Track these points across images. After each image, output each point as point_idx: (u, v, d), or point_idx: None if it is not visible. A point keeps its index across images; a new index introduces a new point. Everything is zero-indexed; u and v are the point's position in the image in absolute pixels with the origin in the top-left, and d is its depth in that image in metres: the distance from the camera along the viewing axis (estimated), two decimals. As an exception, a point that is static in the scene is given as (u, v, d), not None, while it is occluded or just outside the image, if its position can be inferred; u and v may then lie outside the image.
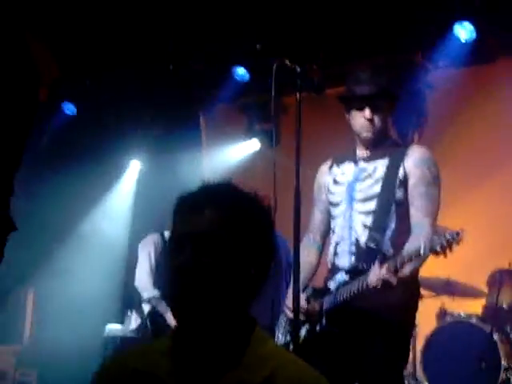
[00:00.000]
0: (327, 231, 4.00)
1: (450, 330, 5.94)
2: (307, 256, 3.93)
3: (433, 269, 4.60)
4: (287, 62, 3.48)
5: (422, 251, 3.31)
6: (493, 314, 5.85)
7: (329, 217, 3.99)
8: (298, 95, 3.43)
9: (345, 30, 6.84)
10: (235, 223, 1.88)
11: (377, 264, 3.47)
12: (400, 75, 6.58)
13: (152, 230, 6.53)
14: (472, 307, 6.28)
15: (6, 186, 2.44)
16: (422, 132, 6.87)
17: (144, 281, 6.28)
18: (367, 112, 3.79)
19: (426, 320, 6.12)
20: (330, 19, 6.70)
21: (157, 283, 6.20)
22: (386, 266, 3.42)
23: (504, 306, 5.90)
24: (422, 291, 6.08)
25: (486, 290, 6.15)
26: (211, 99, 8.07)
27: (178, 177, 7.52)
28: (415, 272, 3.66)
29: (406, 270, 3.44)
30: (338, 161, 4.01)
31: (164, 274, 1.89)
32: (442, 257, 3.29)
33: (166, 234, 6.41)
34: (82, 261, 7.72)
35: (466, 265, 6.25)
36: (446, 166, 3.92)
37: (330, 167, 4.03)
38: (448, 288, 6.22)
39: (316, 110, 6.20)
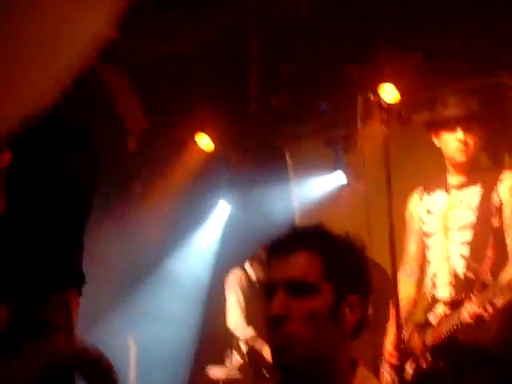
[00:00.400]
0: (423, 261, 3.94)
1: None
2: (407, 289, 3.87)
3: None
4: (371, 96, 3.48)
5: None
6: None
7: (424, 247, 3.92)
8: (384, 128, 3.42)
9: (425, 57, 6.78)
10: (326, 265, 1.88)
11: (469, 300, 3.39)
12: (489, 97, 6.46)
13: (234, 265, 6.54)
14: None
15: (77, 240, 2.47)
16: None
17: (236, 321, 6.28)
18: (460, 134, 3.73)
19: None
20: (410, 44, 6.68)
21: (249, 321, 6.20)
22: (476, 300, 3.33)
23: None
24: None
25: None
26: (296, 135, 8.10)
27: (265, 212, 7.54)
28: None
29: (499, 302, 3.35)
30: (429, 189, 3.95)
31: (265, 322, 1.90)
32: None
33: (246, 266, 6.43)
34: (174, 302, 7.78)
35: None
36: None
37: (421, 196, 3.98)
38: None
39: (399, 138, 6.17)
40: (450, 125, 3.76)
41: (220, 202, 8.63)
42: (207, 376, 6.50)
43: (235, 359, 6.38)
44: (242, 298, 6.34)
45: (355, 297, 1.90)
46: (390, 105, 3.52)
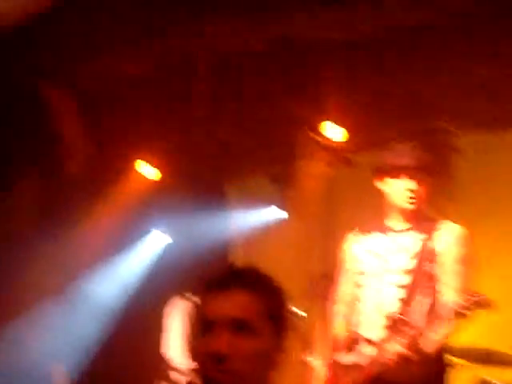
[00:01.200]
0: (353, 301, 3.94)
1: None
2: (334, 328, 3.85)
3: (471, 338, 4.52)
4: (314, 135, 3.50)
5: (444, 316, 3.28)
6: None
7: (355, 287, 3.93)
8: (326, 169, 3.44)
9: (371, 100, 6.89)
10: (264, 307, 1.88)
11: (396, 341, 3.42)
12: (432, 143, 6.58)
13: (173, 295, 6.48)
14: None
15: None
16: (451, 200, 6.84)
17: (177, 350, 6.18)
18: (414, 184, 3.78)
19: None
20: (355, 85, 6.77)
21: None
22: (403, 341, 3.36)
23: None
24: (460, 361, 6.01)
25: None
26: (240, 168, 8.13)
27: (202, 243, 7.51)
28: (440, 347, 3.59)
29: (428, 347, 3.40)
30: (366, 230, 3.97)
31: (197, 356, 1.87)
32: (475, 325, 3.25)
33: (188, 295, 6.36)
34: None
35: (507, 334, 6.15)
36: (477, 233, 3.87)
37: (357, 236, 4.00)
38: (487, 358, 6.09)
39: (342, 178, 6.23)
40: (400, 172, 3.81)
41: (153, 230, 8.55)
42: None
43: None
44: (186, 327, 6.24)
45: (287, 339, 1.90)
46: (332, 144, 3.53)
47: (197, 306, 5.88)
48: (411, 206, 3.80)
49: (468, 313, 3.24)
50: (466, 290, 3.64)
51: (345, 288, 3.99)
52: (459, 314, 3.24)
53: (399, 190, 3.80)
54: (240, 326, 1.84)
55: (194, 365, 5.63)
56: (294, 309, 4.13)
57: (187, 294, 6.38)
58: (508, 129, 6.97)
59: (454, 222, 3.91)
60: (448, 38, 5.96)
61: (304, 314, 4.39)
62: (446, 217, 5.88)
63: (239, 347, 1.82)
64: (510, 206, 6.86)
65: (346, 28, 6.08)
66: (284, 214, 8.07)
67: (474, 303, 3.24)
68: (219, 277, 1.93)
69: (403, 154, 3.84)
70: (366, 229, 3.99)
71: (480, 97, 6.54)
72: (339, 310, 3.96)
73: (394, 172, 3.81)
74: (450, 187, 6.93)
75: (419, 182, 3.80)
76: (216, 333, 1.85)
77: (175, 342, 6.25)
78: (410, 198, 3.79)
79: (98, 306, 7.87)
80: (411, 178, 3.77)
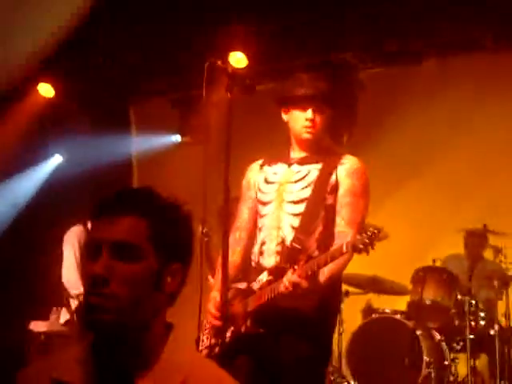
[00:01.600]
0: (254, 229, 3.97)
1: (376, 326, 6.03)
2: (232, 255, 3.81)
3: (359, 266, 4.69)
4: (219, 62, 3.49)
5: (344, 249, 3.35)
6: (416, 310, 5.97)
7: (256, 215, 3.96)
8: (228, 95, 3.45)
9: (278, 29, 6.88)
10: (152, 231, 1.87)
11: (290, 269, 3.49)
12: (336, 76, 6.64)
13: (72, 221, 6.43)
14: (397, 304, 6.40)
15: None
16: (351, 133, 6.96)
17: (70, 276, 6.19)
18: (309, 113, 3.80)
19: (352, 316, 6.23)
20: (262, 17, 6.74)
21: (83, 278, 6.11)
22: (297, 270, 3.44)
23: (427, 302, 6.03)
24: (349, 288, 6.25)
25: (410, 286, 6.27)
26: (143, 92, 8.03)
27: (102, 166, 7.42)
28: (336, 277, 3.70)
29: (324, 276, 3.49)
30: (271, 161, 4.00)
31: (83, 281, 1.88)
32: (365, 255, 3.34)
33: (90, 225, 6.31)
34: None
35: (392, 262, 6.38)
36: (371, 167, 3.96)
37: (262, 166, 4.02)
38: (374, 285, 6.33)
39: (246, 107, 6.24)
40: (300, 102, 3.82)
41: (53, 153, 8.39)
42: (29, 330, 6.38)
43: (63, 315, 6.31)
44: (78, 253, 6.24)
45: (177, 264, 1.90)
46: (235, 71, 3.52)
47: (88, 230, 5.88)
48: (308, 136, 3.82)
49: (365, 247, 3.30)
50: (360, 222, 3.73)
51: (245, 216, 4.01)
52: (357, 248, 3.31)
53: (297, 119, 3.82)
54: (122, 250, 1.82)
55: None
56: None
57: (85, 220, 6.34)
58: (408, 65, 7.09)
59: (351, 154, 3.95)
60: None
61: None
62: (344, 148, 6.05)
63: (119, 270, 1.81)
64: (406, 142, 7.05)
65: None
66: (185, 139, 8.10)
67: (371, 238, 3.30)
68: (108, 201, 1.90)
69: (303, 83, 3.84)
70: (270, 159, 4.01)
71: (383, 30, 6.61)
72: (238, 237, 3.98)
73: (293, 101, 3.83)
74: (349, 119, 7.04)
75: (317, 112, 3.80)
76: (100, 256, 1.84)
77: (71, 268, 6.24)
78: (307, 127, 3.81)
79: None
80: (309, 107, 3.78)
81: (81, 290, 6.02)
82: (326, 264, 3.43)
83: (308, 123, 3.81)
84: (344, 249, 3.34)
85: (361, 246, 3.30)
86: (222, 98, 3.54)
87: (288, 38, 6.92)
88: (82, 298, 5.55)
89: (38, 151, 8.13)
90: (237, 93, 3.62)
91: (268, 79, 7.04)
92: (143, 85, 7.88)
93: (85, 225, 6.33)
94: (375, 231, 3.31)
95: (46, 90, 7.44)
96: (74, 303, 6.16)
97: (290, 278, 3.44)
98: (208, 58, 3.55)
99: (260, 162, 4.06)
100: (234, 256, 3.91)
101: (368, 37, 6.68)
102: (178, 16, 6.76)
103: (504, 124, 6.77)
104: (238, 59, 6.64)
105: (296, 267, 3.47)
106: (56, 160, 8.40)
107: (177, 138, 8.17)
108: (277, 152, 4.03)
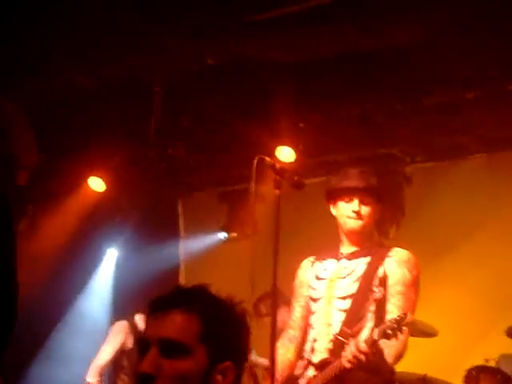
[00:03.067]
0: (306, 327, 3.93)
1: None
2: (286, 353, 3.82)
3: (409, 366, 4.57)
4: (267, 158, 3.52)
5: (375, 337, 3.32)
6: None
7: (308, 313, 3.93)
8: (277, 192, 3.46)
9: (326, 122, 6.95)
10: (203, 328, 1.85)
11: (351, 343, 3.45)
12: (382, 168, 6.66)
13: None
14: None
15: None
16: (398, 226, 6.92)
17: (94, 365, 6.25)
18: (355, 204, 3.81)
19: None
20: (311, 110, 6.83)
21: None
22: (353, 347, 3.41)
23: (482, 403, 5.83)
24: (399, 387, 6.07)
25: (463, 387, 6.08)
26: (191, 186, 8.12)
27: (154, 265, 7.48)
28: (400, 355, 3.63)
29: (391, 357, 3.46)
30: (321, 257, 3.99)
31: (134, 377, 1.86)
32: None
33: (137, 318, 6.34)
34: (72, 346, 7.61)
35: (444, 361, 6.21)
36: (421, 261, 3.92)
37: (313, 263, 4.01)
38: (425, 384, 6.14)
39: (296, 201, 6.25)
40: (347, 195, 3.84)
41: (110, 248, 8.47)
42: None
43: None
44: (116, 346, 6.27)
45: (229, 363, 1.87)
46: (283, 167, 3.54)
47: (133, 327, 5.89)
48: (354, 226, 3.81)
49: (393, 332, 3.31)
50: (412, 311, 3.69)
51: (297, 314, 3.99)
52: (386, 334, 3.31)
53: (345, 212, 3.83)
54: (170, 347, 1.81)
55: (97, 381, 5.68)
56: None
57: (136, 316, 6.38)
58: (456, 159, 7.08)
59: (401, 247, 3.93)
60: (401, 63, 6.07)
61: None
62: (393, 242, 5.99)
63: (166, 368, 1.80)
64: (452, 236, 6.97)
65: (298, 50, 6.15)
66: (232, 235, 8.11)
67: (398, 322, 3.31)
68: (161, 298, 1.91)
69: (352, 177, 3.87)
70: (321, 255, 4.01)
71: (430, 125, 6.64)
72: (292, 335, 3.96)
73: (342, 194, 3.84)
74: (397, 214, 7.01)
75: (363, 203, 3.81)
76: (148, 353, 1.83)
77: (100, 358, 6.29)
78: (355, 219, 3.81)
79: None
80: (357, 199, 3.79)
81: (90, 379, 6.15)
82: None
83: (354, 215, 3.81)
84: (375, 336, 3.32)
85: (389, 332, 3.29)
86: (270, 192, 3.55)
87: (336, 131, 6.98)
88: None
89: (90, 246, 8.19)
90: (286, 188, 3.63)
91: (317, 173, 7.07)
92: (192, 179, 7.97)
93: (131, 321, 6.35)
94: (402, 316, 3.31)
95: (96, 184, 7.55)
96: None
97: (352, 350, 3.39)
98: (256, 152, 3.58)
99: (311, 258, 4.06)
100: (288, 354, 3.88)
101: (417, 131, 6.71)
102: (226, 110, 6.88)
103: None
104: (286, 154, 6.70)
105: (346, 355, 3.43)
106: (113, 255, 8.47)
107: (224, 235, 8.17)
108: (327, 248, 4.02)
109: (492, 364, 6.16)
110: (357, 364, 3.41)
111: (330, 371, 3.53)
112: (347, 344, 3.62)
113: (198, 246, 8.11)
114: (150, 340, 1.85)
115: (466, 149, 6.85)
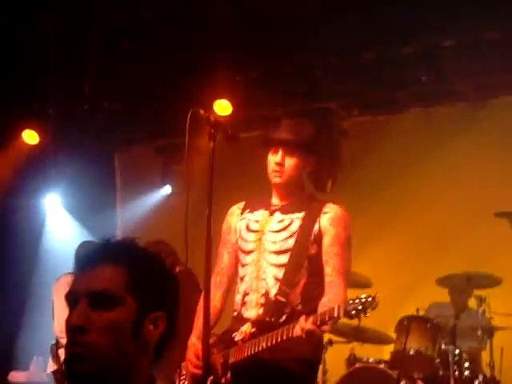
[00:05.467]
0: (234, 276, 3.91)
1: (359, 376, 5.97)
2: (212, 301, 3.64)
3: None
4: (202, 110, 3.49)
5: (335, 314, 3.31)
6: (400, 359, 5.92)
7: (237, 262, 3.90)
8: (211, 144, 3.45)
9: (264, 77, 6.95)
10: (129, 280, 1.87)
11: (303, 316, 3.43)
12: (319, 124, 6.70)
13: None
14: (381, 353, 6.35)
15: None
16: (335, 180, 6.99)
17: (63, 326, 6.17)
18: (279, 155, 3.78)
19: (335, 365, 6.17)
20: (248, 64, 6.82)
21: None
22: (311, 319, 3.39)
23: (411, 352, 5.97)
24: (332, 337, 6.20)
25: (394, 336, 6.23)
26: (127, 140, 8.06)
27: (89, 223, 7.46)
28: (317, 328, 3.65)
29: (327, 327, 3.44)
30: (252, 206, 3.95)
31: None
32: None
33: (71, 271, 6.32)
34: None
35: (376, 311, 6.32)
36: (353, 214, 3.96)
37: (243, 211, 3.97)
38: (358, 334, 6.28)
39: (229, 154, 6.26)
40: (273, 146, 3.81)
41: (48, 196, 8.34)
42: (8, 381, 6.33)
43: (50, 365, 6.24)
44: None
45: (160, 313, 1.89)
46: (218, 120, 3.52)
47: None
48: (276, 180, 3.77)
49: (357, 314, 3.27)
50: (349, 271, 3.71)
51: (226, 261, 3.94)
52: (349, 314, 3.27)
53: (271, 164, 3.79)
54: (98, 299, 1.83)
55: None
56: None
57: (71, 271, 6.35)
58: (392, 113, 7.17)
59: (334, 202, 3.92)
60: (337, 17, 6.09)
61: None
62: (328, 195, 6.07)
63: (96, 319, 1.82)
64: (381, 190, 7.08)
65: (235, 2, 6.12)
66: (168, 188, 8.12)
67: (364, 304, 3.27)
68: (88, 252, 1.93)
69: (282, 128, 3.82)
70: (252, 205, 3.96)
71: (367, 80, 6.69)
72: (219, 281, 3.91)
73: (270, 146, 3.81)
74: (334, 168, 7.07)
75: (290, 156, 3.76)
76: (76, 305, 1.85)
77: (63, 317, 6.23)
78: (275, 171, 3.77)
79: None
80: (281, 151, 3.75)
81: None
82: (326, 320, 3.37)
83: (276, 167, 3.78)
84: (335, 313, 3.29)
85: (353, 313, 3.26)
86: (206, 146, 3.53)
87: (273, 85, 6.99)
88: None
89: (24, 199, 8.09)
90: (220, 141, 3.62)
91: (253, 127, 7.08)
92: (128, 132, 7.90)
93: (70, 274, 6.32)
94: (369, 299, 3.28)
95: (30, 136, 7.43)
96: (63, 354, 6.12)
97: (303, 325, 3.37)
98: (194, 106, 3.56)
99: (241, 205, 3.99)
100: (214, 301, 3.82)
101: (353, 86, 6.76)
102: (163, 64, 6.82)
103: (484, 171, 6.82)
104: (223, 106, 6.69)
105: (282, 323, 3.44)
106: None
107: (168, 189, 8.15)
108: (260, 198, 3.99)
109: (422, 313, 6.33)
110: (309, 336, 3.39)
111: (276, 336, 3.52)
112: (285, 303, 3.64)
113: (138, 203, 8.10)
114: (79, 293, 1.88)
115: (402, 103, 6.93)
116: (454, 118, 6.85)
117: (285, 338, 3.44)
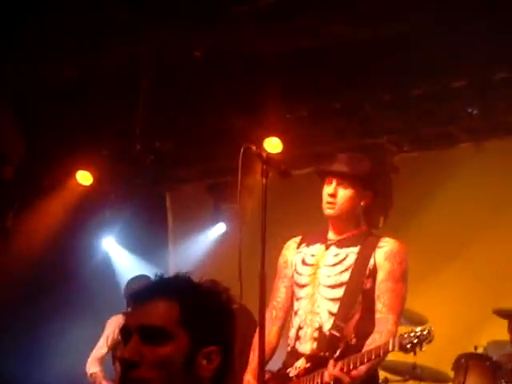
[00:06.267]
0: (290, 310, 3.87)
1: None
2: (267, 336, 3.64)
3: (399, 354, 4.57)
4: (253, 147, 3.50)
5: (390, 348, 3.26)
6: (459, 399, 5.79)
7: (293, 296, 3.87)
8: (263, 181, 3.44)
9: (315, 114, 6.96)
10: (183, 314, 1.87)
11: (331, 362, 3.40)
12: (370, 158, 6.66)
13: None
14: (439, 392, 6.22)
15: None
16: (386, 216, 6.92)
17: (92, 357, 6.56)
18: (332, 186, 3.76)
19: (392, 404, 6.06)
20: (299, 102, 6.84)
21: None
22: (339, 364, 3.35)
23: (470, 390, 5.85)
24: (389, 375, 6.09)
25: (452, 374, 6.10)
26: (178, 179, 8.12)
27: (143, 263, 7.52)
28: (373, 369, 3.60)
29: (363, 369, 3.39)
30: (308, 240, 3.92)
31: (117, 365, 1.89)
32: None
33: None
34: None
35: (433, 349, 6.21)
36: (409, 250, 3.91)
37: (299, 245, 3.94)
38: (414, 372, 6.16)
39: (282, 190, 6.25)
40: (328, 177, 3.78)
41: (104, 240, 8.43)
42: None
43: None
44: (111, 338, 6.52)
45: (214, 347, 1.87)
46: (270, 157, 3.52)
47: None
48: (329, 212, 3.74)
49: (413, 347, 3.23)
50: (401, 307, 3.66)
51: (282, 294, 3.91)
52: (404, 348, 3.23)
53: (324, 195, 3.76)
54: (151, 334, 1.83)
55: (99, 371, 5.80)
56: None
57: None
58: (443, 148, 7.10)
59: (390, 237, 3.87)
60: (386, 55, 6.08)
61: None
62: (381, 232, 5.99)
63: (147, 354, 1.81)
64: (438, 227, 7.00)
65: (285, 41, 6.15)
66: (221, 227, 8.13)
67: (419, 338, 3.23)
68: (141, 288, 1.94)
69: (337, 160, 3.80)
70: (308, 239, 3.93)
71: (417, 115, 6.66)
72: (275, 316, 3.88)
73: (324, 177, 3.79)
74: (386, 203, 7.01)
75: (344, 188, 3.72)
76: (130, 341, 1.85)
77: (96, 349, 6.61)
78: (328, 202, 3.74)
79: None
80: (335, 181, 3.72)
81: (94, 369, 6.47)
82: (369, 360, 3.33)
83: (329, 198, 3.75)
84: (390, 347, 3.25)
85: (408, 346, 3.21)
86: (257, 184, 3.54)
87: (324, 123, 6.99)
88: (93, 376, 5.78)
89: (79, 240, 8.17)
90: (273, 178, 3.62)
91: (304, 164, 7.07)
92: (179, 171, 7.96)
93: (125, 313, 6.42)
94: (424, 332, 3.23)
95: (84, 177, 7.53)
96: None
97: (331, 371, 3.34)
98: (243, 143, 3.57)
99: (297, 239, 3.97)
100: (270, 336, 3.78)
101: (404, 121, 6.73)
102: (214, 102, 6.88)
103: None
104: (273, 144, 6.70)
105: (336, 359, 3.40)
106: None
107: (219, 228, 8.18)
108: (315, 232, 3.94)
109: (481, 351, 6.19)
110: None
111: (306, 382, 3.50)
112: (339, 338, 3.61)
113: (191, 243, 8.14)
114: (131, 328, 1.87)
115: (453, 138, 6.87)
116: (506, 151, 6.76)
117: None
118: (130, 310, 1.94)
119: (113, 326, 6.55)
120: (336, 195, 3.74)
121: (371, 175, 3.88)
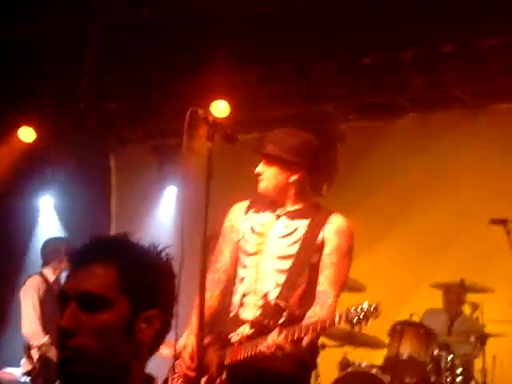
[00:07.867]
0: (233, 274, 3.86)
1: (351, 380, 5.97)
2: (209, 299, 3.64)
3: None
4: (200, 110, 3.46)
5: (336, 321, 3.29)
6: (393, 364, 5.92)
7: (237, 260, 3.86)
8: (209, 144, 3.42)
9: (262, 79, 6.95)
10: (121, 279, 1.82)
11: (276, 330, 3.43)
12: (317, 128, 6.68)
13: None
14: (374, 358, 6.34)
15: None
16: (331, 183, 6.98)
17: (31, 328, 6.20)
18: (260, 165, 3.77)
19: (328, 369, 6.15)
20: (246, 67, 6.81)
21: (46, 329, 6.14)
22: (284, 332, 3.38)
23: (404, 357, 5.98)
24: (326, 340, 6.19)
25: (387, 340, 6.23)
26: (123, 139, 8.04)
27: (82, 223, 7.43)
28: (316, 340, 3.65)
29: (306, 340, 3.43)
30: (257, 206, 3.89)
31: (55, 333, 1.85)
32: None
33: (45, 271, 6.33)
34: None
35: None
36: (353, 216, 3.94)
37: (247, 210, 3.91)
38: (351, 338, 6.27)
39: (228, 154, 6.23)
40: (262, 157, 3.80)
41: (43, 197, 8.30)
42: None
43: (24, 366, 6.20)
44: (38, 304, 6.23)
45: (154, 311, 1.83)
46: (216, 120, 3.49)
47: (46, 280, 5.87)
48: (259, 189, 3.75)
49: (359, 323, 3.26)
50: (344, 282, 3.69)
51: (226, 259, 3.87)
52: (351, 323, 3.26)
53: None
54: (89, 300, 1.79)
55: (48, 340, 5.63)
56: None
57: (45, 269, 6.38)
58: (389, 118, 7.17)
59: (334, 209, 3.89)
60: (339, 23, 6.10)
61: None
62: (325, 200, 6.03)
63: (85, 322, 1.78)
64: (383, 195, 7.08)
65: (234, 4, 6.12)
66: (165, 188, 8.10)
67: (365, 314, 3.26)
68: (78, 252, 1.87)
69: (267, 140, 3.79)
70: (256, 204, 3.91)
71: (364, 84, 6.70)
72: (217, 279, 3.86)
73: (261, 157, 3.80)
74: (330, 171, 7.05)
75: (270, 165, 3.71)
76: (67, 308, 1.81)
77: (31, 319, 6.25)
78: (259, 181, 3.75)
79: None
80: (262, 161, 3.73)
81: (41, 340, 6.08)
82: (314, 331, 3.37)
83: (258, 177, 3.77)
84: (336, 321, 3.29)
85: (354, 321, 3.25)
86: (203, 146, 3.51)
87: (271, 87, 6.99)
88: (44, 348, 5.56)
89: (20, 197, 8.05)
90: (218, 142, 3.60)
91: (251, 129, 7.07)
92: (124, 131, 7.89)
93: (41, 275, 6.34)
94: (371, 308, 3.27)
95: (26, 134, 7.41)
96: (36, 354, 6.10)
97: (275, 339, 3.38)
98: (191, 106, 3.53)
99: (245, 203, 3.92)
100: (212, 299, 3.77)
101: (351, 88, 6.77)
102: (161, 64, 6.82)
103: (481, 177, 6.82)
104: (220, 108, 6.68)
105: (281, 328, 3.42)
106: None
107: (163, 189, 8.12)
108: (264, 198, 3.93)
109: (416, 319, 6.33)
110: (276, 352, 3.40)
111: (248, 348, 3.53)
112: (283, 308, 3.63)
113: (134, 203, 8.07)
114: (69, 294, 1.82)
115: (399, 108, 6.94)
116: (452, 124, 6.85)
117: (256, 351, 3.46)
118: (68, 274, 1.87)
119: (32, 289, 6.29)
120: (261, 173, 3.75)
121: (302, 151, 3.82)
